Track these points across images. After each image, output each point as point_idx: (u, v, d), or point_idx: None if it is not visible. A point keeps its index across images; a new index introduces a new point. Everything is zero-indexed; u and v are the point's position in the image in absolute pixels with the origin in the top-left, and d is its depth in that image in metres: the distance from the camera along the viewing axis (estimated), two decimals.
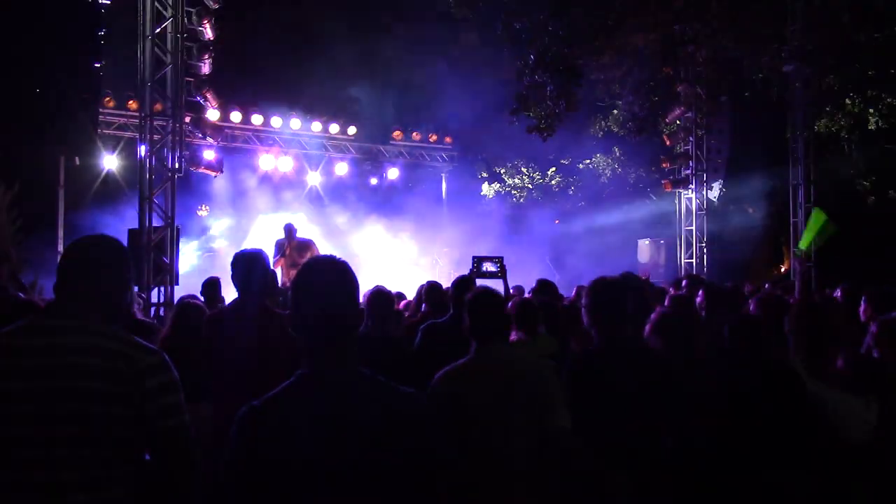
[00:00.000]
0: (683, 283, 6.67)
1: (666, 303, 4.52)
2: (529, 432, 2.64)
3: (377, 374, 1.75)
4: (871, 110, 12.42)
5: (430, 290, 5.76)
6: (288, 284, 7.38)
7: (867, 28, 11.34)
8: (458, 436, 2.54)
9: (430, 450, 1.70)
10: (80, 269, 1.97)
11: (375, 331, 3.98)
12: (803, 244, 8.64)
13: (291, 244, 9.86)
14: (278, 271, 9.30)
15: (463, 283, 4.44)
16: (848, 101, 12.53)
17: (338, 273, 1.74)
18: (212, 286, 6.35)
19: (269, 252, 7.95)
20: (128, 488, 1.86)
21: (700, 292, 4.63)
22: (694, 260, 14.43)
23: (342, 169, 17.01)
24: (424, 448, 1.69)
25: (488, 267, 6.76)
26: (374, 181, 17.83)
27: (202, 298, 6.14)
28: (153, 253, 8.71)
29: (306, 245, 9.97)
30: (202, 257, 14.55)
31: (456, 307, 4.18)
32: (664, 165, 15.23)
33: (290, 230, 10.02)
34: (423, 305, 5.81)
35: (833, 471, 2.80)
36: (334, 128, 16.44)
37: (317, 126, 16.22)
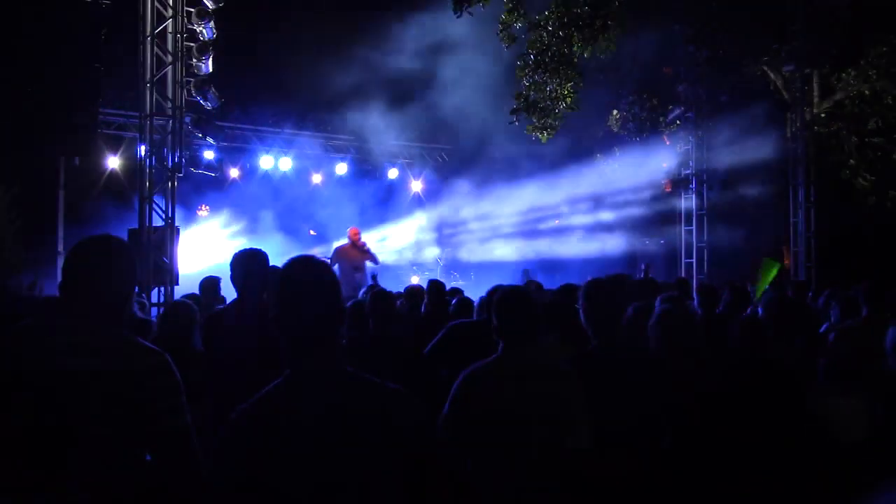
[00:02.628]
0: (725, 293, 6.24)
1: (657, 303, 4.51)
2: (547, 444, 2.57)
3: (376, 373, 1.76)
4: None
5: (433, 289, 5.79)
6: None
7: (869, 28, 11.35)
8: (478, 437, 2.53)
9: (419, 446, 1.73)
10: (84, 268, 1.98)
11: (378, 331, 4.00)
12: (758, 294, 8.72)
13: (357, 245, 9.91)
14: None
15: (497, 289, 4.31)
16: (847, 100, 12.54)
17: (320, 273, 1.77)
18: (210, 285, 6.34)
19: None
20: (128, 489, 1.86)
21: (695, 293, 4.64)
22: (694, 261, 14.43)
23: (342, 169, 17.03)
24: (413, 444, 1.71)
25: None
26: (373, 181, 17.86)
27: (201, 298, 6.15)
28: (153, 253, 8.71)
29: (366, 249, 10.10)
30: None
31: (487, 312, 4.12)
32: (664, 165, 15.23)
33: (355, 233, 10.07)
34: (425, 304, 5.82)
35: (827, 471, 2.80)
36: (334, 128, 16.46)
37: (317, 126, 16.24)
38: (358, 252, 9.85)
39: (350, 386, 1.71)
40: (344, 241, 10.26)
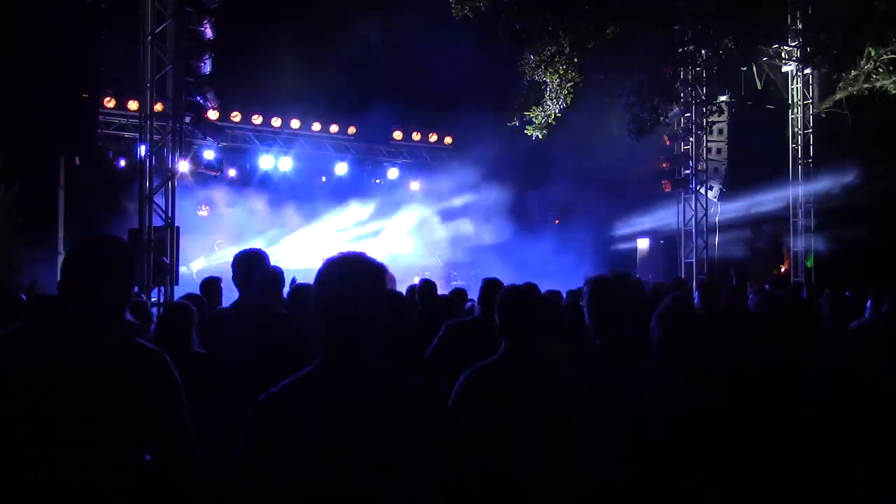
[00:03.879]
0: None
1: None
2: (548, 443, 2.55)
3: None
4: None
5: (424, 289, 5.72)
6: None
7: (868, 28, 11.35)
8: (481, 438, 2.52)
9: (439, 440, 1.75)
10: (83, 268, 1.97)
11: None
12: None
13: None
14: None
15: (491, 283, 4.36)
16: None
17: (359, 266, 1.78)
18: (211, 286, 6.32)
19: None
20: (128, 488, 1.86)
21: (696, 294, 4.63)
22: (694, 260, 14.42)
23: (342, 169, 17.02)
24: (434, 438, 1.73)
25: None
26: (377, 181, 17.92)
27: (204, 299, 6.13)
28: (153, 253, 8.71)
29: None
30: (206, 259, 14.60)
31: (484, 307, 4.16)
32: (664, 165, 15.22)
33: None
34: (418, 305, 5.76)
35: (828, 470, 2.80)
36: (334, 128, 16.46)
37: (317, 126, 16.25)
38: None
39: (375, 378, 1.74)
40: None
